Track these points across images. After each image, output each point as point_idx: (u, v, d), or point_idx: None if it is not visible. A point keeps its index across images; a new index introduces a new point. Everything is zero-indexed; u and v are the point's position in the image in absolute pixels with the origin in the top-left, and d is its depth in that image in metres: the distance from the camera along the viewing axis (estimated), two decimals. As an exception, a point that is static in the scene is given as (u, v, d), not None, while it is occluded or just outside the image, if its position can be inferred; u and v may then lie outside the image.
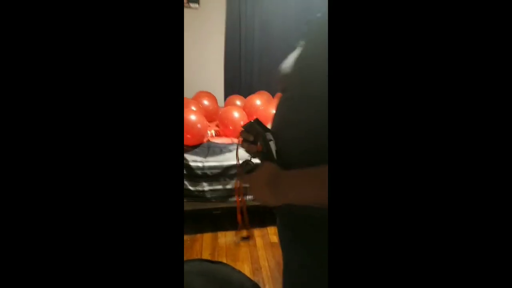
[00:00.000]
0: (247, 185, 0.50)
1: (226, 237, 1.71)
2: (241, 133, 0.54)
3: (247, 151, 0.54)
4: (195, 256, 1.53)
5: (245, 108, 2.04)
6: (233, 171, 1.64)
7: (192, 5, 2.33)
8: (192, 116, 1.66)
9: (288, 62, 0.49)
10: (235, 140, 1.82)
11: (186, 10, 2.33)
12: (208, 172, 1.62)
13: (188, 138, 1.65)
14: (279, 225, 0.57)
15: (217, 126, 1.98)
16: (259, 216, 1.85)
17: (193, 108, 1.87)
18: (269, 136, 0.49)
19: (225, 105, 2.24)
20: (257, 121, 0.52)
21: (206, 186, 1.63)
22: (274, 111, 0.53)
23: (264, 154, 0.49)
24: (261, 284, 1.40)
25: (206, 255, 1.55)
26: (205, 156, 1.65)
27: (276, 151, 0.48)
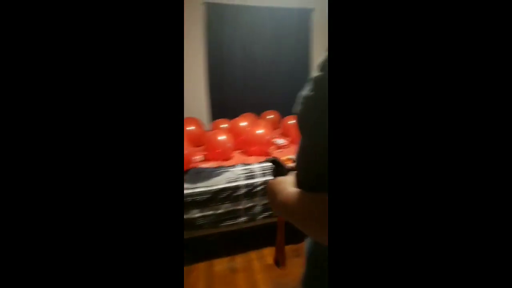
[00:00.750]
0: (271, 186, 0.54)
1: (222, 264, 1.65)
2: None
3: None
4: (190, 289, 1.47)
5: (231, 130, 2.05)
6: (223, 195, 1.62)
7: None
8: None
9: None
10: (223, 163, 1.81)
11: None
12: (198, 198, 1.59)
13: (175, 166, 1.64)
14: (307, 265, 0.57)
15: (204, 150, 1.98)
16: (255, 238, 1.81)
17: (179, 135, 1.86)
18: (282, 170, 0.57)
19: (212, 129, 2.25)
20: (273, 159, 0.62)
21: (197, 213, 1.60)
22: None
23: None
24: (261, 311, 1.34)
25: (201, 287, 1.49)
26: (194, 182, 1.63)
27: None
